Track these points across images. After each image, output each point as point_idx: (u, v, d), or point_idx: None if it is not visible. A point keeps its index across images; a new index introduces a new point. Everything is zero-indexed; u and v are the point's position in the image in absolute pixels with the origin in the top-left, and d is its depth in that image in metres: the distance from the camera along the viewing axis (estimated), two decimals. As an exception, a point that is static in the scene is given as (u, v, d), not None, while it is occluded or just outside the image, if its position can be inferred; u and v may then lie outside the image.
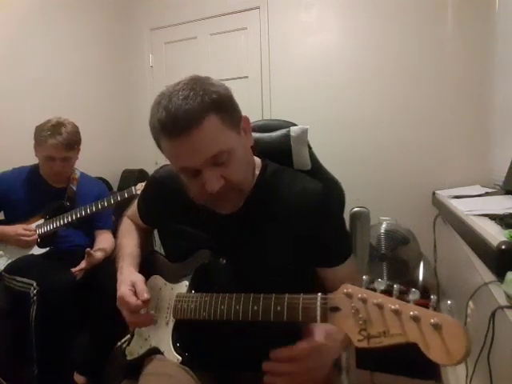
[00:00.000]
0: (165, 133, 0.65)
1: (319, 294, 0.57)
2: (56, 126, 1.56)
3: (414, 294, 0.48)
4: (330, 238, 0.78)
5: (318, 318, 0.55)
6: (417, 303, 0.49)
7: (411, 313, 0.46)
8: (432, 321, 0.44)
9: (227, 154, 0.67)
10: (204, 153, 0.65)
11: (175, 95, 0.64)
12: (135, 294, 0.78)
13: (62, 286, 1.41)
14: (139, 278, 0.82)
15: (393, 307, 0.47)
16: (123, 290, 0.79)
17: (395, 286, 0.49)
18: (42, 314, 1.38)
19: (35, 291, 1.38)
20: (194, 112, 0.63)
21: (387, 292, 0.50)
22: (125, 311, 0.79)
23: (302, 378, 0.62)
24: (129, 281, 0.81)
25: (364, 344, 0.49)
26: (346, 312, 0.52)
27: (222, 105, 0.66)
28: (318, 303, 0.56)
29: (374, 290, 0.51)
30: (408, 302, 0.48)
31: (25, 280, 1.43)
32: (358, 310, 0.50)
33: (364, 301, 0.50)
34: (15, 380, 1.41)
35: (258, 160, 0.85)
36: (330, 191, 0.84)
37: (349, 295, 0.52)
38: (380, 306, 0.48)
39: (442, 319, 0.44)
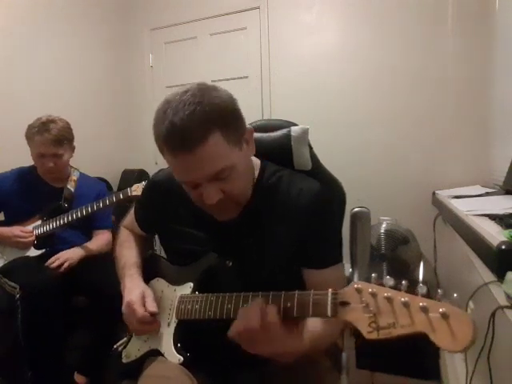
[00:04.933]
0: (168, 147, 0.65)
1: (330, 289, 0.58)
2: (45, 123, 1.56)
3: (422, 288, 0.49)
4: (322, 238, 0.78)
5: (329, 312, 0.56)
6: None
7: (420, 304, 0.47)
8: (440, 310, 0.46)
9: (229, 170, 0.67)
10: (206, 170, 0.66)
11: (181, 108, 0.62)
12: (143, 305, 0.80)
13: (42, 286, 1.39)
14: (150, 293, 0.84)
15: (402, 299, 0.49)
16: (134, 297, 0.81)
17: (403, 282, 0.51)
18: (28, 317, 1.36)
19: (18, 295, 1.37)
20: (198, 130, 0.62)
21: (395, 288, 0.52)
22: (130, 318, 0.80)
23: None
24: (140, 290, 0.83)
25: (374, 335, 0.50)
26: (355, 306, 0.54)
27: (226, 120, 0.66)
28: (329, 298, 0.57)
29: (383, 285, 0.53)
30: (417, 295, 0.49)
31: (11, 284, 1.42)
32: (368, 303, 0.52)
33: (374, 295, 0.52)
34: (13, 380, 1.41)
35: (256, 161, 0.84)
36: (329, 191, 0.83)
37: (359, 290, 0.54)
38: (390, 299, 0.50)
39: (449, 309, 0.46)
